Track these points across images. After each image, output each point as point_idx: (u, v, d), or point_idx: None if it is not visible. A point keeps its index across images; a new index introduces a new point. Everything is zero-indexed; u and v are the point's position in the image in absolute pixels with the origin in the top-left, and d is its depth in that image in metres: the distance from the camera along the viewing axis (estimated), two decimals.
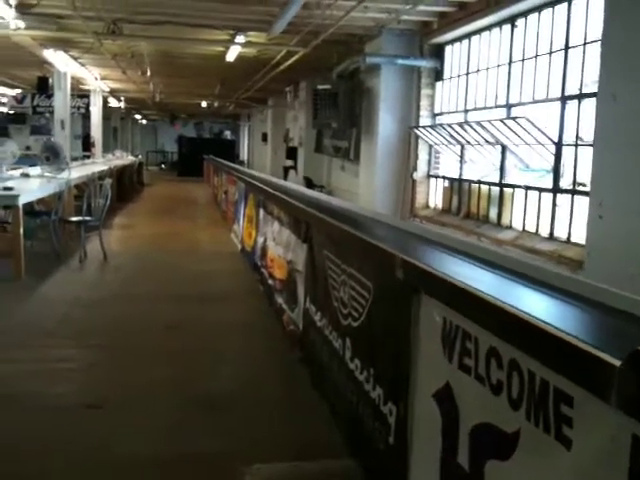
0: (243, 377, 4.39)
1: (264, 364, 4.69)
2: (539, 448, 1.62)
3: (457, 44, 9.28)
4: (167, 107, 28.96)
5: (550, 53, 6.91)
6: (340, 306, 3.61)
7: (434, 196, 9.98)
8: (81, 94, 18.47)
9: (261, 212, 7.48)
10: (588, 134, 6.34)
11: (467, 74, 8.97)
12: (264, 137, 25.35)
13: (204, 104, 25.83)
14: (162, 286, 7.10)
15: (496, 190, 8.08)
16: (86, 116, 19.80)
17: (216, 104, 25.34)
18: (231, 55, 11.91)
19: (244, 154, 37.18)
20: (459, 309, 2.06)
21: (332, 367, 3.75)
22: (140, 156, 27.80)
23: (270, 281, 6.36)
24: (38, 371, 4.29)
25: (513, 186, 7.75)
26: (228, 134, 39.25)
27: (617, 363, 1.28)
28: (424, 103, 9.90)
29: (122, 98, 23.49)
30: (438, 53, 9.73)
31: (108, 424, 3.55)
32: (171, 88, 21.05)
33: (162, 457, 3.22)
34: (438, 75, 9.80)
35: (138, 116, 36.96)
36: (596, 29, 6.07)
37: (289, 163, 17.96)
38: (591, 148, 6.24)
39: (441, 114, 9.76)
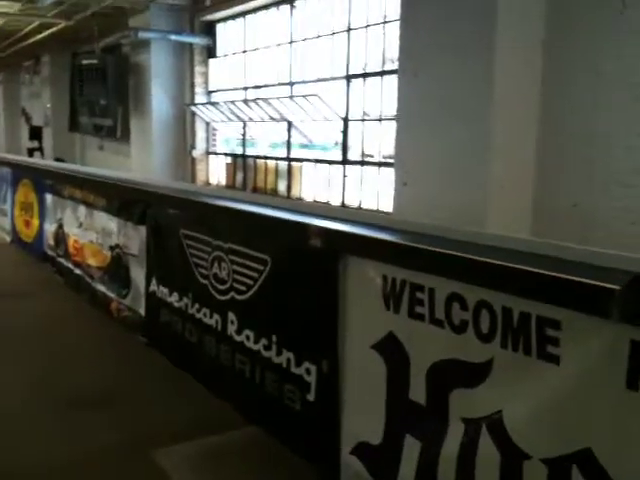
0: (96, 370, 4.17)
1: (108, 354, 4.50)
2: (521, 370, 1.96)
3: (231, 22, 9.40)
4: None
5: (333, 34, 7.41)
6: (214, 282, 3.65)
7: (216, 173, 10.09)
8: None
9: (48, 197, 6.97)
10: (373, 110, 7.01)
11: (244, 52, 9.16)
12: None
13: None
14: None
15: (284, 164, 8.46)
16: None
17: None
18: None
19: None
20: (409, 265, 2.31)
21: (205, 344, 3.78)
22: None
23: (78, 270, 6.01)
24: None
25: (301, 160, 8.19)
26: None
27: (617, 287, 1.64)
28: (198, 80, 9.89)
29: None
30: (210, 30, 9.76)
31: None
32: None
33: (68, 459, 3.01)
34: (211, 52, 9.85)
35: None
36: (376, 12, 6.71)
37: (34, 144, 16.53)
38: (376, 123, 6.93)
39: (216, 91, 9.85)
